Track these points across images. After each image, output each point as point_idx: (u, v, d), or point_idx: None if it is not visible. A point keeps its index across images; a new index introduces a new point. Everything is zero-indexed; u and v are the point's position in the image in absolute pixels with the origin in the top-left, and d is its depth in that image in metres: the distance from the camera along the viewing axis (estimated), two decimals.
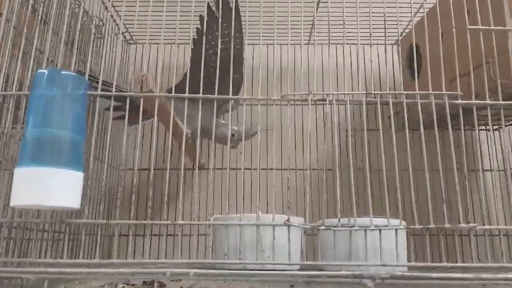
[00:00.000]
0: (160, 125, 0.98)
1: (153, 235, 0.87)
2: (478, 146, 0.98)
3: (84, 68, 0.82)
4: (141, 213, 0.92)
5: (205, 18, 0.64)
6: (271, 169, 0.57)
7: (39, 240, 0.51)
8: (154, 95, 0.48)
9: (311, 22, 0.92)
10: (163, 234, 0.86)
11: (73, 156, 0.43)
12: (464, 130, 0.49)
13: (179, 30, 0.54)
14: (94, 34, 0.89)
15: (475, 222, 0.47)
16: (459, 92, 0.52)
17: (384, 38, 0.96)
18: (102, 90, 0.48)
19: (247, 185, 0.85)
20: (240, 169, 0.87)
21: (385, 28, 0.59)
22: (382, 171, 0.48)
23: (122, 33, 1.00)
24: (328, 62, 0.57)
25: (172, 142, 0.62)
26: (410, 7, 0.58)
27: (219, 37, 0.60)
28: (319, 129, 0.90)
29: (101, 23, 0.93)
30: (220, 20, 0.66)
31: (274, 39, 0.56)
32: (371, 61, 0.56)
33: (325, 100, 0.49)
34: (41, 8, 0.58)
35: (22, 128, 0.45)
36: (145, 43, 1.01)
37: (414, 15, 0.85)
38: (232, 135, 0.76)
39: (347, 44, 0.95)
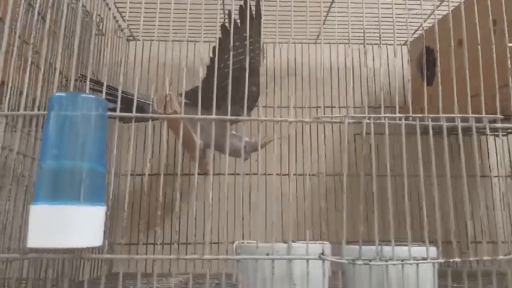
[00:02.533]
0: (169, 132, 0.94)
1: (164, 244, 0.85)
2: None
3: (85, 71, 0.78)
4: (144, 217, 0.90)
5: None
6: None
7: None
8: (179, 117, 0.44)
9: (322, 21, 0.88)
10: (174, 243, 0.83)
11: (95, 190, 0.39)
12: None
13: (187, 27, 0.50)
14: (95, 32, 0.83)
15: None
16: (498, 116, 0.49)
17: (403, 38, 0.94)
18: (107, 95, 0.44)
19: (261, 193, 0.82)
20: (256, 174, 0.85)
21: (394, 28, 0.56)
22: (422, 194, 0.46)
23: (122, 30, 0.95)
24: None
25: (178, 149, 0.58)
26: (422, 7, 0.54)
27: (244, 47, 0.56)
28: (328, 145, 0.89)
29: (100, 20, 0.87)
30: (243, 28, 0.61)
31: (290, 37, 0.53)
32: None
33: (361, 122, 0.46)
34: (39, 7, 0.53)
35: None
36: (146, 39, 0.97)
37: (428, 18, 0.84)
38: (244, 147, 0.74)
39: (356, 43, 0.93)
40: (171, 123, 0.45)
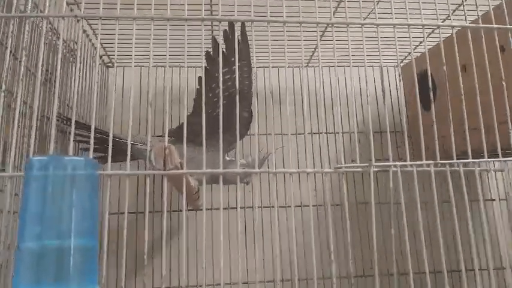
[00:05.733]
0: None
1: None
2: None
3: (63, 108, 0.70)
4: (130, 260, 0.82)
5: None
6: None
7: None
8: (182, 173, 0.38)
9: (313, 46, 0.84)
10: None
11: (84, 269, 0.32)
12: None
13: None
14: (69, 60, 0.76)
15: None
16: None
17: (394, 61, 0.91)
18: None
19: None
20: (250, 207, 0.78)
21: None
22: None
23: (100, 57, 0.87)
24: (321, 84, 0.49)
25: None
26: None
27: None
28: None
29: (76, 46, 0.80)
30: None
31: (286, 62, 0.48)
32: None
33: (387, 170, 0.41)
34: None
35: None
36: (126, 66, 0.90)
37: (419, 44, 0.81)
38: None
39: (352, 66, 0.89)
40: (173, 179, 0.39)
